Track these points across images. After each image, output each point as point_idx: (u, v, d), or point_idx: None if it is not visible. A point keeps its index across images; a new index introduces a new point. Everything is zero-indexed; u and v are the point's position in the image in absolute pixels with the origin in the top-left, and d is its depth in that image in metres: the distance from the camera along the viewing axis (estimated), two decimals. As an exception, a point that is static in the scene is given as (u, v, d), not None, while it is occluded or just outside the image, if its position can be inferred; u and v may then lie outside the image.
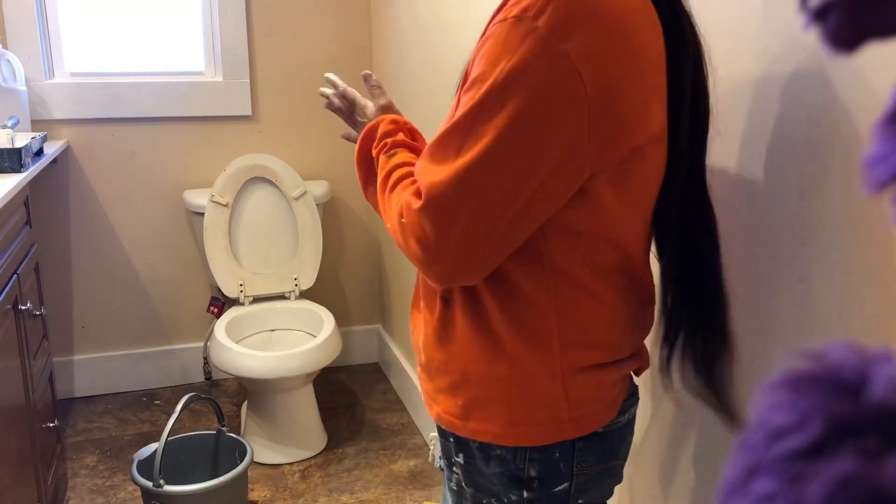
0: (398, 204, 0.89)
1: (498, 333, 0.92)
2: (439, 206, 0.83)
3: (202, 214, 2.64)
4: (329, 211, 2.99)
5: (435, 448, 1.19)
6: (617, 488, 1.05)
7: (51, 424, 2.03)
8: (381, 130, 1.03)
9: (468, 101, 0.82)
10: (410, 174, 0.93)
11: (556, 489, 0.96)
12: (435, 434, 1.18)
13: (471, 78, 0.83)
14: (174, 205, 2.83)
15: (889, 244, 0.82)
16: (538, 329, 0.91)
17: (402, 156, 0.98)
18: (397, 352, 2.89)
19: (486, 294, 0.92)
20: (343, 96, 1.16)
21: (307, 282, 2.73)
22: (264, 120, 2.87)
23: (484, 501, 1.01)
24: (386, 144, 1.01)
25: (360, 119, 1.15)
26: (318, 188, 2.82)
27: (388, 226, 0.93)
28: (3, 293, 1.65)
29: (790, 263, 0.97)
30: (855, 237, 0.87)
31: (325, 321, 2.53)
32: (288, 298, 2.71)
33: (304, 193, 2.70)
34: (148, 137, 2.76)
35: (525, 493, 0.96)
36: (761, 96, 0.99)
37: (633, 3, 0.83)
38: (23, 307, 1.80)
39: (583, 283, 0.90)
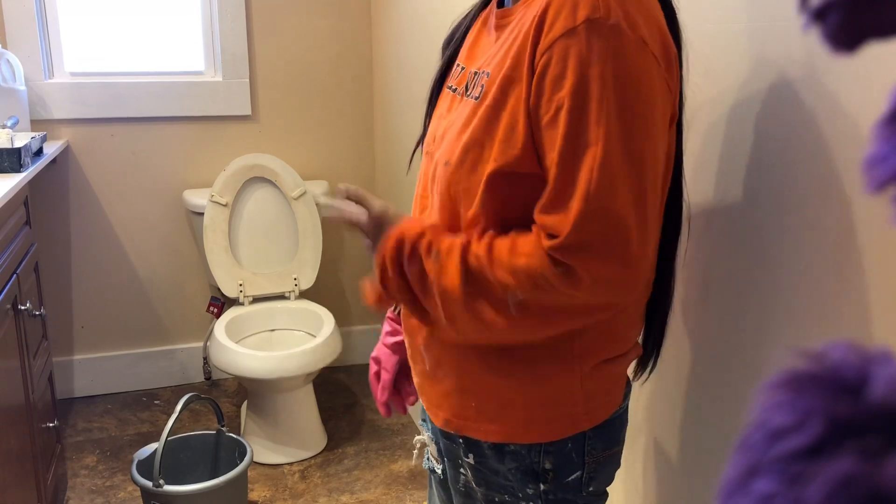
0: (533, 265, 0.83)
1: (517, 340, 0.92)
2: (613, 219, 0.81)
3: (202, 214, 2.64)
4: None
5: (427, 449, 1.18)
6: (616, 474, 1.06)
7: (51, 424, 2.03)
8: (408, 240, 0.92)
9: (572, 121, 0.80)
10: (492, 245, 0.87)
11: (570, 479, 0.97)
12: (421, 437, 1.18)
13: (560, 96, 0.80)
14: (174, 205, 2.83)
15: (889, 244, 0.82)
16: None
17: (448, 245, 0.90)
18: (397, 352, 2.89)
19: None
20: (358, 201, 0.99)
21: (307, 282, 2.73)
22: (264, 120, 2.87)
23: (496, 499, 1.00)
24: (420, 249, 0.91)
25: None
26: (318, 188, 2.82)
27: (521, 296, 0.85)
28: (3, 293, 1.65)
29: (790, 263, 0.97)
30: (855, 237, 0.87)
31: (325, 321, 2.53)
32: (288, 298, 2.71)
33: (304, 193, 2.70)
34: (148, 137, 2.76)
35: (541, 486, 0.97)
36: (760, 96, 0.99)
37: (656, 10, 0.87)
38: (22, 307, 1.80)
39: None
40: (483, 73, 0.92)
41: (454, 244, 0.88)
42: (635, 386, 1.31)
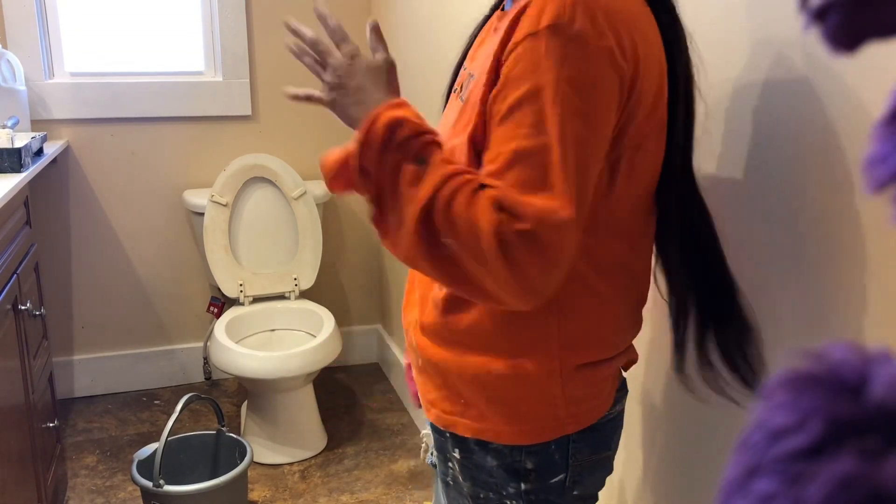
0: (475, 217, 0.79)
1: (497, 334, 0.93)
2: (552, 238, 0.78)
3: (202, 214, 2.64)
4: (329, 211, 2.99)
5: (427, 444, 1.20)
6: (608, 479, 1.06)
7: (51, 424, 2.03)
8: (398, 127, 0.86)
9: (530, 118, 0.79)
10: (463, 180, 0.81)
11: (553, 481, 0.98)
12: (427, 431, 1.20)
13: (517, 96, 0.80)
14: (174, 205, 2.83)
15: (889, 244, 0.82)
16: (539, 329, 0.92)
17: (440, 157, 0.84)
18: (397, 352, 2.89)
19: None
20: (314, 48, 0.96)
21: (307, 282, 2.73)
22: (264, 120, 2.87)
23: (481, 495, 1.01)
24: (413, 146, 0.85)
25: (346, 80, 0.93)
26: (318, 188, 2.82)
27: (451, 241, 0.81)
28: (3, 293, 1.65)
29: (790, 263, 0.97)
30: (855, 237, 0.87)
31: (325, 321, 2.53)
32: (288, 298, 2.71)
33: (304, 193, 2.70)
34: (148, 137, 2.76)
35: (522, 485, 0.97)
36: (761, 98, 0.99)
37: (638, 8, 0.87)
38: (23, 307, 1.80)
39: (587, 281, 0.91)
40: (472, 75, 0.93)
41: (447, 169, 0.83)
42: (633, 386, 1.31)
